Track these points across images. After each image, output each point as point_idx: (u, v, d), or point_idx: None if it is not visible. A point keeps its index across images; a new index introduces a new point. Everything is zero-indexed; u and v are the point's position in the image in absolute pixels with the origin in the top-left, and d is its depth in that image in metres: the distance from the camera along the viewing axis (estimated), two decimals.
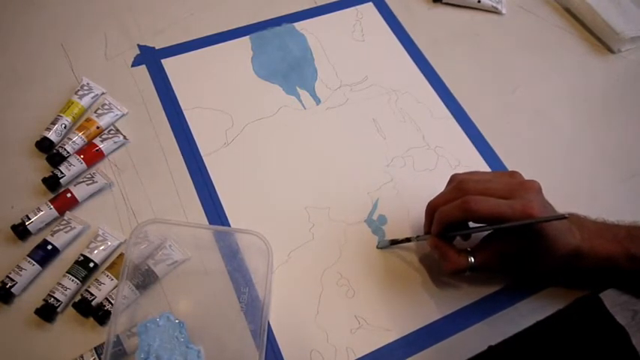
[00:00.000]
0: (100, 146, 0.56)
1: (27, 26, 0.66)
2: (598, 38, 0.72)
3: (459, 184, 0.47)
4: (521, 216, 0.43)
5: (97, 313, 0.48)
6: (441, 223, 0.47)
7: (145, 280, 0.49)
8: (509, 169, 0.60)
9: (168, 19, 0.68)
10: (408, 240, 0.52)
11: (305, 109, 0.63)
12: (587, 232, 0.47)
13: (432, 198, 0.50)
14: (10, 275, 0.49)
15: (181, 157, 0.58)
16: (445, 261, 0.47)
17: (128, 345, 0.46)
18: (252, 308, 0.50)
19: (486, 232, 0.48)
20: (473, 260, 0.47)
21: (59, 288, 0.48)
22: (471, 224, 0.48)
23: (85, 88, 0.60)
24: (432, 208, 0.49)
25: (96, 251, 0.50)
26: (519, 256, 0.46)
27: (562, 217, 0.42)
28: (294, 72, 0.65)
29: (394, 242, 0.53)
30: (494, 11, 0.73)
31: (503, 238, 0.47)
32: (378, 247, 0.54)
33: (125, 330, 0.47)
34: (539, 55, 0.70)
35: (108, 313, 0.48)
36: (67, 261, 0.50)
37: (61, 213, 0.53)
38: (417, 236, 0.51)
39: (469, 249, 0.48)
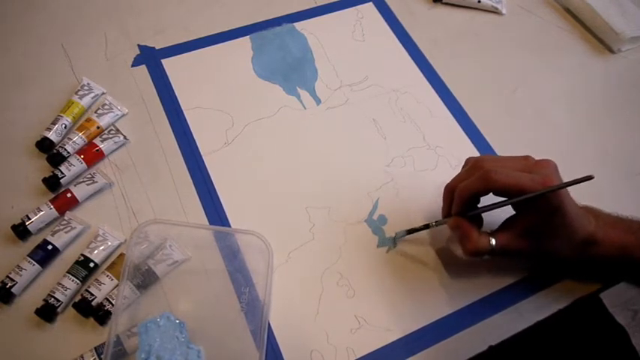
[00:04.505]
0: (100, 146, 0.56)
1: (27, 26, 0.66)
2: (598, 38, 0.72)
3: (475, 163, 0.47)
4: (542, 188, 0.43)
5: (97, 313, 0.48)
6: (463, 198, 0.46)
7: (145, 280, 0.49)
8: None
9: (169, 19, 0.68)
10: (426, 227, 0.51)
11: (305, 109, 0.63)
12: (602, 222, 0.47)
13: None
14: (10, 275, 0.49)
15: (181, 157, 0.58)
16: (467, 241, 0.46)
17: (128, 345, 0.46)
18: (253, 308, 0.50)
19: (506, 216, 0.48)
20: (494, 242, 0.46)
21: (59, 288, 0.48)
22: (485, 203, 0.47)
23: (85, 88, 0.60)
24: (451, 189, 0.48)
25: (96, 251, 0.51)
26: (540, 233, 0.46)
27: (588, 178, 0.41)
28: (294, 72, 0.65)
29: (412, 231, 0.52)
30: (494, 11, 0.73)
31: (524, 216, 0.46)
32: (395, 239, 0.54)
33: (125, 330, 0.47)
34: (539, 55, 0.70)
35: (108, 313, 0.48)
36: (67, 261, 0.50)
37: (61, 213, 0.53)
38: (436, 221, 0.50)
39: (489, 231, 0.47)
